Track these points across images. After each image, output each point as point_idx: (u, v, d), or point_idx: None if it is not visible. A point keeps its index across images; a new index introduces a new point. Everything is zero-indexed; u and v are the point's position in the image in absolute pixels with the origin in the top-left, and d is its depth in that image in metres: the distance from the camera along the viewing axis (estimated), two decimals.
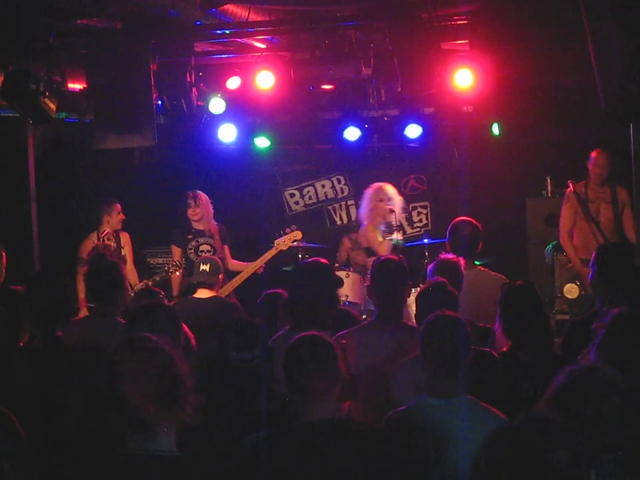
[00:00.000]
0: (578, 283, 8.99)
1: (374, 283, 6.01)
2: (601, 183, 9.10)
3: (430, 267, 6.59)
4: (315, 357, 4.03)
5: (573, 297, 9.16)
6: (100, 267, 6.30)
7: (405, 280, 5.97)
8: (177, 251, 9.83)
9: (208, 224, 9.83)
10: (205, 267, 7.95)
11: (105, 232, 9.54)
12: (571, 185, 9.14)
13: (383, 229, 9.70)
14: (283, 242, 9.55)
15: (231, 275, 9.66)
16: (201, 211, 9.76)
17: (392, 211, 9.63)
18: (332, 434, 3.95)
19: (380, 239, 9.65)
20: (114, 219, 9.84)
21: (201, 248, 9.74)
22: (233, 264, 9.90)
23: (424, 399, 4.55)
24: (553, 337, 5.56)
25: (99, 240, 9.78)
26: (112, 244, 9.54)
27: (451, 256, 6.62)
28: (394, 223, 9.64)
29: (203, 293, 7.87)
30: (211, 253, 9.62)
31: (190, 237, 9.78)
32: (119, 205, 9.92)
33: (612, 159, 9.01)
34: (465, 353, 4.57)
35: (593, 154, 9.11)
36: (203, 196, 9.84)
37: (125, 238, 9.95)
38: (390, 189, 9.85)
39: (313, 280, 5.62)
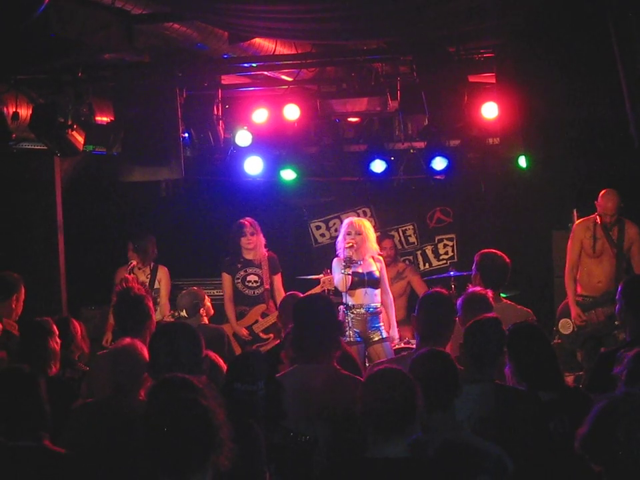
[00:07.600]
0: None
1: (419, 313, 5.93)
2: (610, 225, 8.93)
3: (459, 300, 6.55)
4: (394, 393, 3.89)
5: (566, 333, 9.04)
6: (126, 299, 6.30)
7: (450, 313, 5.92)
8: (227, 278, 9.64)
9: (259, 253, 9.61)
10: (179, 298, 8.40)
11: (132, 264, 9.55)
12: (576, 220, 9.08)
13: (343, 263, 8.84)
14: (329, 281, 9.14)
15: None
16: (256, 239, 9.57)
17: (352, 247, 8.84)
18: (399, 473, 3.83)
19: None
20: (128, 253, 9.87)
21: (248, 278, 9.58)
22: (282, 295, 9.47)
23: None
24: (562, 371, 5.53)
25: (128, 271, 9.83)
26: (136, 277, 9.50)
27: (478, 289, 6.57)
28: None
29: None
30: (258, 284, 9.52)
31: (239, 265, 9.60)
32: (130, 243, 9.92)
33: (619, 199, 8.86)
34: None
35: (600, 194, 8.95)
36: (257, 224, 9.63)
37: (162, 272, 9.96)
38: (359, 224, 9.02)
39: (318, 313, 5.53)
